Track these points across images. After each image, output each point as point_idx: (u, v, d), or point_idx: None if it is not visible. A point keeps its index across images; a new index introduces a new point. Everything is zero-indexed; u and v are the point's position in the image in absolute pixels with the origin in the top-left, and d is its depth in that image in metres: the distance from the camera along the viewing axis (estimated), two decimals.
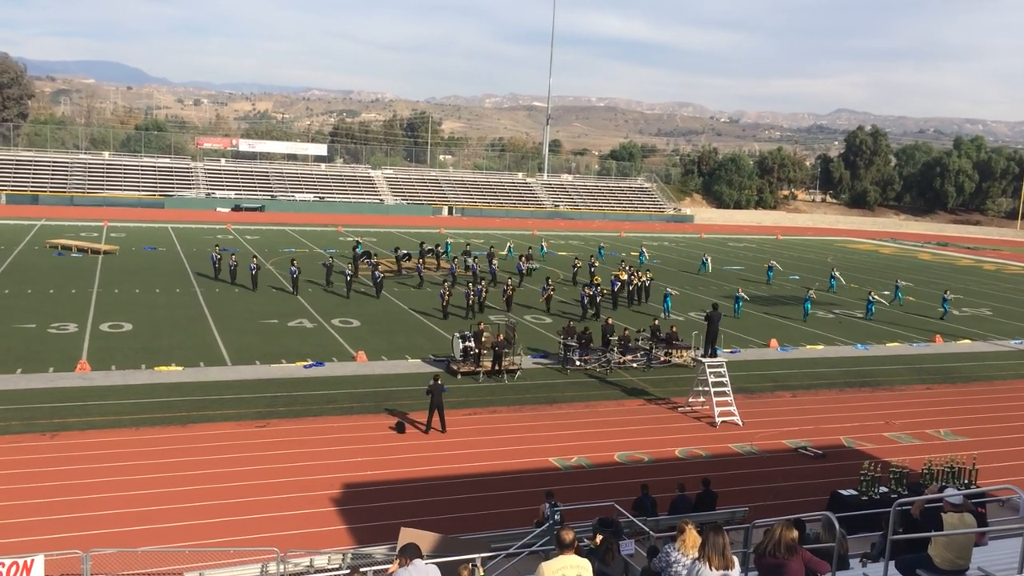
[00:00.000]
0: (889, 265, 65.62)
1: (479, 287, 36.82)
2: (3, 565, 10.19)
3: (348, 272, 39.59)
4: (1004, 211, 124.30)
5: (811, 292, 40.72)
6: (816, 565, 7.42)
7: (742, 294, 39.37)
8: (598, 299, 36.83)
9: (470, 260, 45.38)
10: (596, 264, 46.28)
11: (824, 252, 72.96)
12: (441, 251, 49.68)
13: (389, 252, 50.50)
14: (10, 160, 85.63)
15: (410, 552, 8.46)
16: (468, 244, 54.79)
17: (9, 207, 74.66)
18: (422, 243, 50.19)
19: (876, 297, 41.32)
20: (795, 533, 7.10)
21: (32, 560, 10.40)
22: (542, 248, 57.75)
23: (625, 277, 41.56)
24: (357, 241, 51.23)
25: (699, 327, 27.89)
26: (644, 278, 41.65)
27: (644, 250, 56.14)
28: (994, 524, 12.28)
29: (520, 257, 47.52)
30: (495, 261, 46.18)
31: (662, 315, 35.97)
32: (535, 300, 38.94)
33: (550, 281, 39.48)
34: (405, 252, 47.35)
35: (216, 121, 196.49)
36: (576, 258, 50.17)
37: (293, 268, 39.05)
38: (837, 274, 49.62)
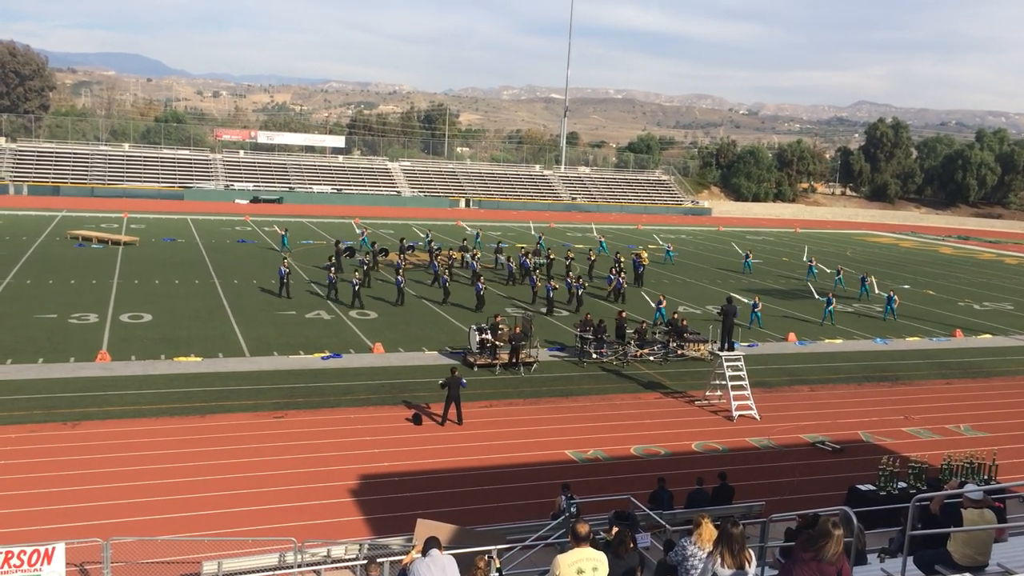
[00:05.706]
0: (908, 259, 65.09)
1: (578, 283, 37.33)
2: (24, 552, 10.32)
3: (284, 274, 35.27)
4: None
5: (832, 297, 36.80)
6: None
7: (758, 305, 34.93)
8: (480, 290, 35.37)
9: (502, 257, 45.47)
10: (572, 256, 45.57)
11: (843, 245, 72.46)
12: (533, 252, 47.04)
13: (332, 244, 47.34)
14: (32, 151, 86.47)
15: (430, 544, 8.57)
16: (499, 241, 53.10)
17: (31, 198, 75.39)
18: (374, 243, 47.46)
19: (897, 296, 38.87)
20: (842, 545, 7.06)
21: (53, 548, 10.52)
22: (602, 244, 55.11)
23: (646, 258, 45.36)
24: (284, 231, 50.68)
25: (715, 321, 27.73)
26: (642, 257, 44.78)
27: (602, 239, 57.58)
28: (1014, 520, 12.17)
29: (527, 255, 44.77)
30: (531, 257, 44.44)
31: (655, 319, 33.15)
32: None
33: (613, 271, 40.97)
34: (347, 247, 45.71)
35: (235, 113, 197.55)
36: (591, 250, 49.86)
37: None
38: (872, 280, 44.62)
